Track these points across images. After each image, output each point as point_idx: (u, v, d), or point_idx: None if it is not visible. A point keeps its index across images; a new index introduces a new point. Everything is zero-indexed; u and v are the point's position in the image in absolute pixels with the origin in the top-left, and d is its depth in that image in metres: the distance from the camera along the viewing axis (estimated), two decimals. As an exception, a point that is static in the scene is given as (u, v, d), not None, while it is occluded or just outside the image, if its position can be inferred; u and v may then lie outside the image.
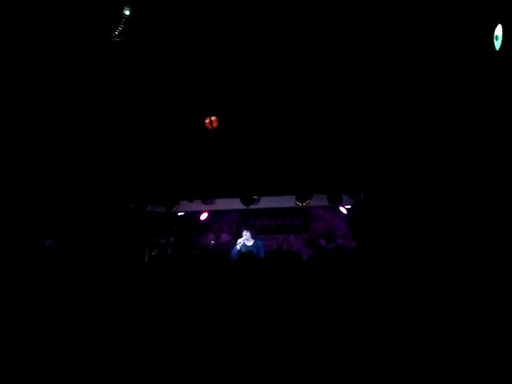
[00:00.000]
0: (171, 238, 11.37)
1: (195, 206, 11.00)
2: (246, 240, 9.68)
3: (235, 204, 10.37)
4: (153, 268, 6.38)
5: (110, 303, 4.57)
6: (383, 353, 3.57)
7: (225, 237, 12.19)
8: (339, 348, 3.66)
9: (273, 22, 6.39)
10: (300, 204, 10.26)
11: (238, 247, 9.57)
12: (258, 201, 10.40)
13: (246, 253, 8.67)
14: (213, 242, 11.34)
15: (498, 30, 4.58)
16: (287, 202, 10.53)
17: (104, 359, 3.74)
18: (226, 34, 6.67)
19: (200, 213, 11.85)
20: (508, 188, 5.51)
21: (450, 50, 5.70)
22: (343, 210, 11.30)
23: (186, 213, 11.76)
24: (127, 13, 4.81)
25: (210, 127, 7.96)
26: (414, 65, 6.46)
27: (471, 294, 4.23)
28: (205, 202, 10.91)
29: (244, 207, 10.39)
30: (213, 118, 7.91)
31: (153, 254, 9.96)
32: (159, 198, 10.12)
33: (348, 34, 6.59)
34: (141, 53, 6.89)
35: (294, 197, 10.13)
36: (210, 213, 11.91)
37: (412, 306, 4.17)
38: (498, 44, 4.51)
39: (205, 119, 7.95)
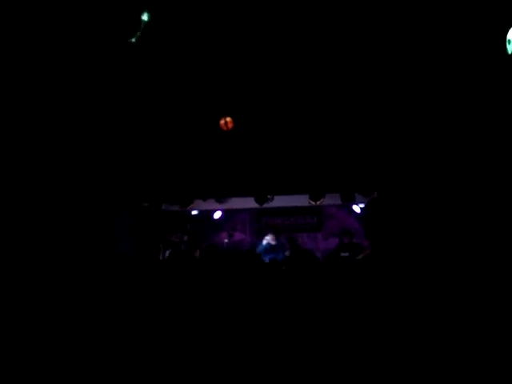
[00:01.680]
0: (185, 237, 11.46)
1: (209, 204, 11.07)
2: (271, 240, 10.26)
3: (249, 203, 10.44)
4: (169, 266, 6.44)
5: (124, 300, 4.63)
6: (394, 354, 3.59)
7: (238, 235, 12.27)
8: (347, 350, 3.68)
9: (287, 26, 6.43)
10: (313, 203, 10.30)
11: (264, 242, 10.24)
12: (271, 199, 10.46)
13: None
14: (226, 240, 11.42)
15: (511, 34, 4.59)
16: (300, 200, 10.58)
17: (116, 358, 3.79)
18: (241, 37, 6.72)
19: (214, 211, 11.93)
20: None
21: (463, 52, 5.71)
22: (356, 208, 11.31)
23: (199, 211, 11.85)
24: (145, 18, 4.87)
25: (224, 128, 7.99)
26: (428, 66, 6.47)
27: (485, 292, 4.23)
28: (219, 201, 10.98)
29: (257, 206, 10.47)
30: (228, 119, 7.93)
31: (167, 252, 10.06)
32: (173, 197, 10.20)
33: (359, 37, 6.61)
34: (158, 54, 6.96)
35: (308, 196, 10.17)
36: (224, 211, 11.99)
37: (427, 305, 4.17)
38: (510, 48, 4.52)
39: (220, 120, 7.99)
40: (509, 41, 4.55)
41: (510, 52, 4.48)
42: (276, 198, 10.51)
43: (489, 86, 5.62)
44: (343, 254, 9.38)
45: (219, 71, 7.37)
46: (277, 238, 10.39)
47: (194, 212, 11.82)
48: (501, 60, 4.77)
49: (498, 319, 3.60)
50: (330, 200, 10.42)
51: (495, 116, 5.82)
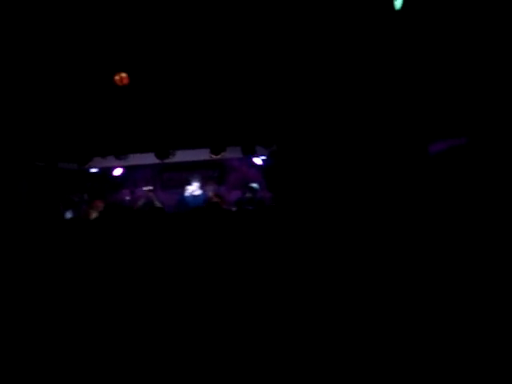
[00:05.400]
0: (85, 195, 11.17)
1: (108, 161, 10.84)
2: (193, 191, 10.33)
3: (150, 159, 10.31)
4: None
5: (31, 262, 4.52)
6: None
7: (140, 192, 12.10)
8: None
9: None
10: (214, 156, 10.38)
11: (187, 194, 10.26)
12: (173, 155, 10.41)
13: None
14: (128, 197, 11.26)
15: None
16: (202, 154, 10.61)
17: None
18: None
19: (114, 168, 11.72)
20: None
21: (352, 9, 5.88)
22: (258, 160, 11.49)
23: (99, 169, 11.58)
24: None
25: (120, 84, 7.78)
26: (312, 20, 6.60)
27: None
28: (118, 158, 10.78)
29: (159, 161, 10.39)
30: (123, 75, 7.72)
31: (67, 213, 9.78)
32: (70, 156, 9.87)
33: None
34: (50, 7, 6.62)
35: (208, 149, 10.22)
36: (125, 168, 11.80)
37: (327, 257, 4.37)
38: (398, 4, 4.71)
39: (114, 76, 7.76)
40: (396, -3, 4.75)
41: (397, 8, 4.69)
42: (177, 152, 10.47)
43: (378, 43, 5.83)
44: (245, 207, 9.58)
45: (114, 25, 7.13)
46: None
47: (94, 170, 11.52)
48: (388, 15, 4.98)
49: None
50: (231, 153, 10.52)
51: (384, 73, 6.08)
